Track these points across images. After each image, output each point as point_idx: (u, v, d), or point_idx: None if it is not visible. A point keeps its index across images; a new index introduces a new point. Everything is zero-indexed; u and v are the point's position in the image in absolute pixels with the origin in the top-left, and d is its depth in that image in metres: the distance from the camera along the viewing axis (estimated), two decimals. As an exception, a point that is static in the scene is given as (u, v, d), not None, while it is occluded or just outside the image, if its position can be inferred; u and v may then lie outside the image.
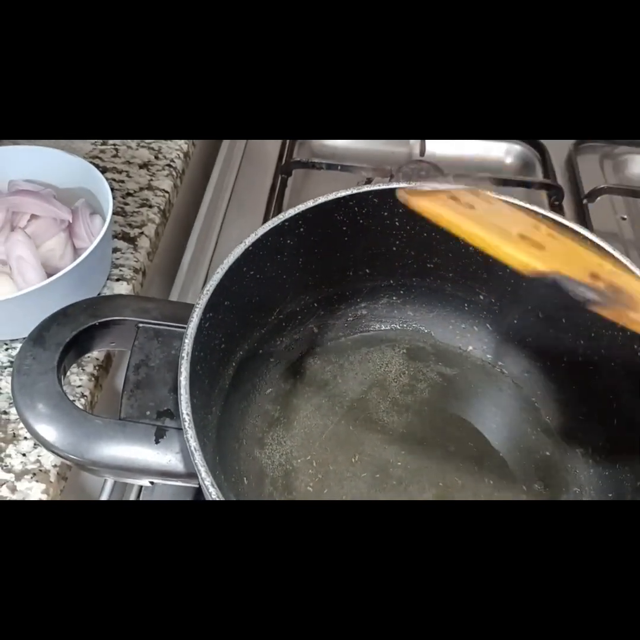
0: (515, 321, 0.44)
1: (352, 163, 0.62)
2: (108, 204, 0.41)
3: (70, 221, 0.42)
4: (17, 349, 0.39)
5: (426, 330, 0.46)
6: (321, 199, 0.37)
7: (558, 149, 0.67)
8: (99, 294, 0.44)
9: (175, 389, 0.30)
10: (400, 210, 0.40)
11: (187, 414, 0.27)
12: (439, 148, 0.67)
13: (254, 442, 0.40)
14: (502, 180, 0.61)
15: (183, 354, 0.29)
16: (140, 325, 0.32)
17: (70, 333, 0.31)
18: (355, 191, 0.38)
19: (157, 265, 0.54)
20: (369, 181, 0.64)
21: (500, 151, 0.68)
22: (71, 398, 0.38)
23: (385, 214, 0.40)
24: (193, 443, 0.26)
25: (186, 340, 0.30)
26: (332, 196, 0.37)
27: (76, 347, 0.31)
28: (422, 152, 0.64)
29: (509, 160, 0.68)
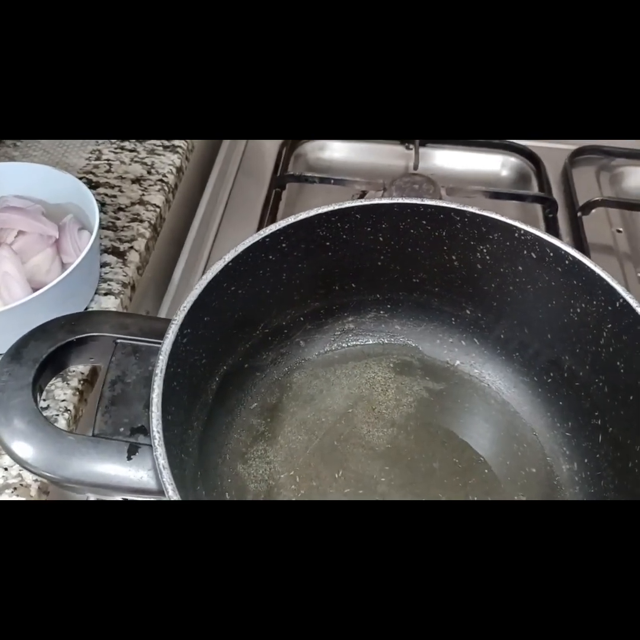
0: (502, 336, 0.43)
1: (345, 177, 0.62)
2: (95, 218, 0.42)
3: (57, 237, 0.42)
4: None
5: (414, 345, 0.46)
6: (302, 215, 0.37)
7: (554, 161, 0.67)
8: (86, 309, 0.44)
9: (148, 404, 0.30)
10: (384, 226, 0.40)
11: (158, 431, 0.27)
12: (433, 161, 0.67)
13: (237, 457, 0.40)
14: (495, 194, 0.61)
15: (157, 371, 0.29)
16: (119, 341, 0.33)
17: (48, 349, 0.31)
18: (337, 207, 0.38)
19: (151, 279, 0.55)
20: (362, 194, 0.65)
21: (496, 164, 0.68)
22: (55, 412, 0.39)
23: (369, 229, 0.40)
24: (162, 461, 0.26)
25: (160, 357, 0.30)
26: (313, 212, 0.38)
27: (53, 364, 0.31)
28: (416, 165, 0.64)
29: (504, 172, 0.68)
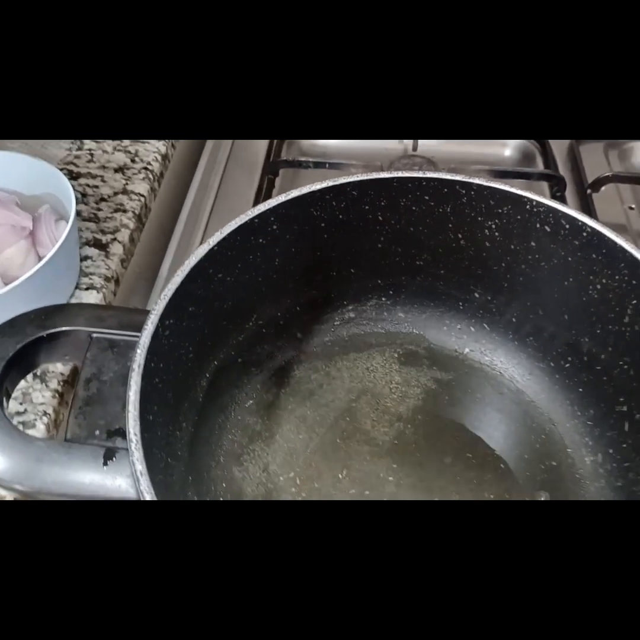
0: (513, 319, 0.40)
1: (341, 160, 0.59)
2: (71, 205, 0.39)
3: (31, 228, 0.39)
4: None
5: (419, 332, 0.43)
6: (294, 193, 0.34)
7: (559, 140, 0.64)
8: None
9: (129, 405, 0.27)
10: (383, 203, 0.37)
11: (135, 434, 0.24)
12: (433, 142, 0.64)
13: (232, 458, 0.37)
14: (500, 173, 0.57)
15: (134, 366, 0.26)
16: (94, 335, 0.30)
17: (15, 346, 0.28)
18: (331, 183, 0.35)
19: (140, 274, 0.52)
20: (360, 179, 0.61)
21: (498, 143, 0.64)
22: (33, 417, 0.36)
23: (367, 207, 0.37)
24: (139, 466, 0.23)
25: (138, 351, 0.27)
26: (306, 189, 0.34)
27: (22, 362, 0.28)
28: (415, 146, 0.61)
29: (507, 152, 0.65)
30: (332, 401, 0.40)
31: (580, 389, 0.37)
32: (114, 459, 0.26)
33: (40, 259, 0.40)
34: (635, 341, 0.33)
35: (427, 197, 0.36)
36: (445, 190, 0.35)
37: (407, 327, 0.43)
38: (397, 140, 0.65)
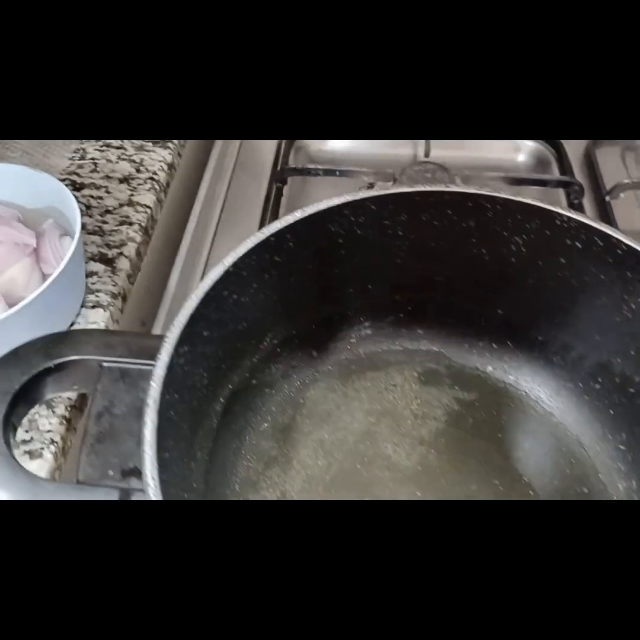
0: (539, 337, 0.38)
1: (351, 167, 0.58)
2: (76, 221, 0.37)
3: (35, 245, 0.38)
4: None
5: (438, 350, 0.41)
6: (310, 209, 0.33)
7: (574, 143, 0.62)
8: (71, 325, 0.39)
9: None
10: (403, 218, 0.35)
11: (153, 478, 0.22)
12: (444, 148, 0.62)
13: (248, 486, 0.36)
14: (516, 180, 0.56)
15: (149, 401, 0.25)
16: (104, 364, 0.28)
17: (21, 378, 0.26)
18: (350, 198, 0.33)
19: (146, 287, 0.50)
20: (371, 186, 0.60)
21: (511, 149, 0.63)
22: (39, 446, 0.34)
23: (386, 222, 0.35)
24: (158, 514, 0.22)
25: (153, 384, 0.25)
26: (323, 205, 0.33)
27: (28, 395, 0.27)
28: (427, 152, 0.59)
29: (521, 158, 0.63)
30: (351, 423, 0.39)
31: (612, 412, 0.36)
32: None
33: (44, 277, 0.38)
34: (674, 364, 0.31)
35: (450, 211, 0.34)
36: (470, 204, 0.34)
37: (426, 344, 0.42)
38: (408, 146, 0.63)
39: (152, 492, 0.22)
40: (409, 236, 0.36)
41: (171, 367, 0.26)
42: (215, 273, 0.29)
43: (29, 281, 0.37)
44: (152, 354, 0.28)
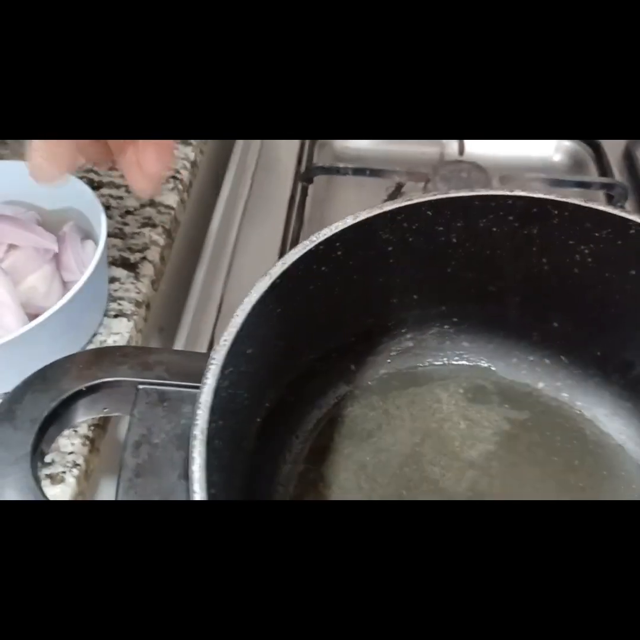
0: (598, 353, 0.36)
1: (381, 167, 0.55)
2: (101, 227, 0.34)
3: (56, 251, 0.35)
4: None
5: (486, 365, 0.39)
6: (363, 215, 0.30)
7: (612, 142, 0.59)
8: (94, 334, 0.37)
9: (185, 475, 0.22)
10: (459, 224, 0.32)
11: (204, 523, 0.20)
12: (478, 146, 0.59)
13: (285, 514, 0.33)
14: (556, 181, 0.53)
15: (196, 432, 0.22)
16: (141, 386, 0.25)
17: (50, 404, 0.23)
18: (405, 203, 0.30)
19: (164, 291, 0.47)
20: (399, 187, 0.57)
21: (548, 148, 0.60)
22: (61, 469, 0.31)
23: (440, 228, 0.32)
24: (213, 569, 0.19)
25: (200, 412, 0.22)
26: (376, 211, 0.30)
27: (58, 421, 0.24)
28: (461, 150, 0.56)
29: (557, 157, 0.60)
30: (393, 445, 0.36)
31: (679, 435, 0.33)
32: (173, 546, 0.21)
33: (65, 284, 0.36)
34: None
35: (511, 218, 0.31)
36: (535, 210, 0.31)
37: (472, 358, 0.39)
38: (437, 143, 0.60)
39: (206, 541, 0.19)
40: (464, 244, 0.33)
41: (217, 392, 0.24)
42: (261, 285, 0.27)
43: (49, 290, 0.34)
44: (193, 374, 0.26)
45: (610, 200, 0.54)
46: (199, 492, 0.21)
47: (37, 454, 0.23)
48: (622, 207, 0.52)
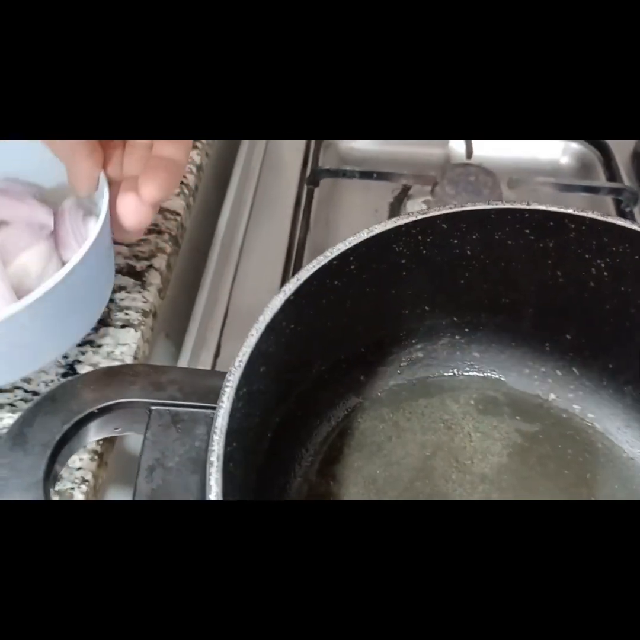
0: (610, 365, 0.35)
1: (387, 169, 0.54)
2: (103, 199, 0.31)
3: (52, 226, 0.33)
4: (3, 421, 0.32)
5: (497, 376, 0.38)
6: (377, 229, 0.29)
7: (621, 145, 0.58)
8: (95, 330, 0.36)
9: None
10: (475, 237, 0.32)
11: (223, 555, 0.19)
12: (485, 149, 0.58)
13: (296, 529, 0.33)
14: (565, 186, 0.53)
15: (212, 459, 0.21)
16: (153, 408, 0.25)
17: (62, 427, 0.23)
18: (420, 217, 0.30)
19: (171, 296, 0.46)
20: (406, 189, 0.56)
21: (556, 151, 0.59)
22: (69, 485, 0.31)
23: (455, 241, 0.32)
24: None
25: (215, 437, 0.22)
26: (391, 224, 0.29)
27: (69, 444, 0.23)
28: (469, 153, 0.56)
29: (564, 160, 0.60)
30: (404, 458, 0.35)
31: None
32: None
33: (63, 264, 0.33)
34: None
35: (527, 231, 0.31)
36: (551, 223, 0.30)
37: (482, 369, 0.38)
38: (444, 146, 0.60)
39: (225, 574, 0.19)
40: (479, 256, 0.32)
41: (232, 414, 0.23)
42: (276, 303, 0.26)
43: (45, 269, 0.31)
44: (206, 394, 0.25)
45: (618, 205, 0.53)
46: (216, 522, 0.20)
47: (50, 478, 0.22)
48: (630, 212, 0.52)
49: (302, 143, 0.59)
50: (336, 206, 0.57)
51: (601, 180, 0.56)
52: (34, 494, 0.21)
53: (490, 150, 0.58)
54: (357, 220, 0.57)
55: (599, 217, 0.29)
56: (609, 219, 0.29)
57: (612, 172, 0.55)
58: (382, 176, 0.53)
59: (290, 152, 0.59)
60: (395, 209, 0.55)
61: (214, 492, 0.21)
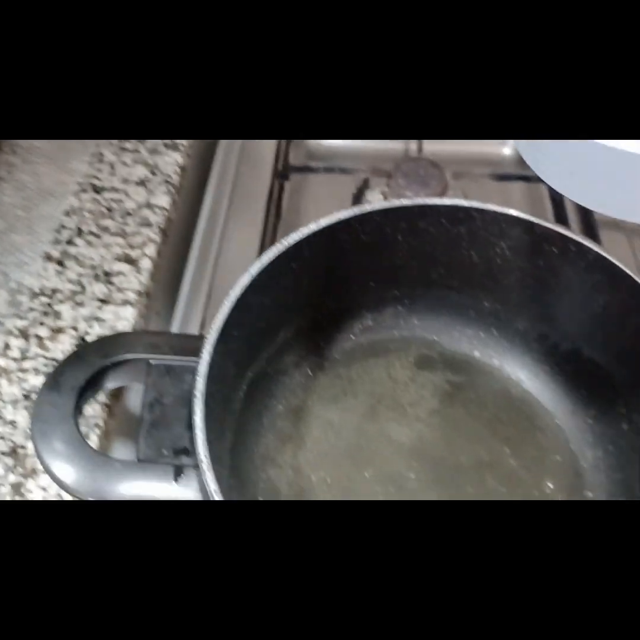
0: (520, 328, 0.44)
1: (349, 165, 0.62)
2: None
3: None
4: (29, 382, 0.40)
5: (432, 338, 0.47)
6: (324, 222, 0.37)
7: (556, 138, 0.66)
8: (101, 301, 0.44)
9: (190, 427, 0.30)
10: (403, 226, 0.40)
11: (205, 456, 0.28)
12: (435, 143, 0.66)
13: (267, 462, 0.41)
14: (502, 176, 0.61)
15: (197, 393, 0.30)
16: (152, 361, 0.33)
17: (84, 376, 0.31)
18: (358, 212, 0.38)
19: (161, 280, 0.54)
20: (366, 182, 0.64)
21: (498, 143, 0.67)
22: (85, 429, 0.39)
23: (388, 229, 0.40)
24: (213, 486, 0.27)
25: (199, 378, 0.30)
26: (335, 218, 0.37)
27: (91, 389, 0.32)
28: (420, 148, 0.63)
29: (507, 151, 0.67)
30: (355, 405, 0.44)
31: (582, 391, 0.41)
32: (182, 475, 0.29)
33: None
34: (635, 352, 0.36)
35: (443, 220, 0.39)
36: (461, 214, 0.38)
37: (421, 332, 0.47)
38: (400, 141, 0.67)
39: (205, 467, 0.27)
40: (408, 241, 0.41)
41: (211, 364, 0.31)
42: (243, 280, 0.34)
43: None
44: (191, 351, 0.33)
45: (551, 191, 0.61)
46: (200, 436, 0.28)
47: (77, 412, 0.30)
48: (560, 198, 0.60)
49: (274, 142, 0.67)
50: (305, 197, 0.64)
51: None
52: (67, 422, 0.29)
53: (440, 146, 0.65)
54: (324, 209, 0.64)
55: (497, 209, 0.38)
56: (503, 210, 0.37)
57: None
58: (344, 171, 0.61)
59: (264, 150, 0.66)
60: (356, 199, 0.63)
61: (198, 416, 0.29)
